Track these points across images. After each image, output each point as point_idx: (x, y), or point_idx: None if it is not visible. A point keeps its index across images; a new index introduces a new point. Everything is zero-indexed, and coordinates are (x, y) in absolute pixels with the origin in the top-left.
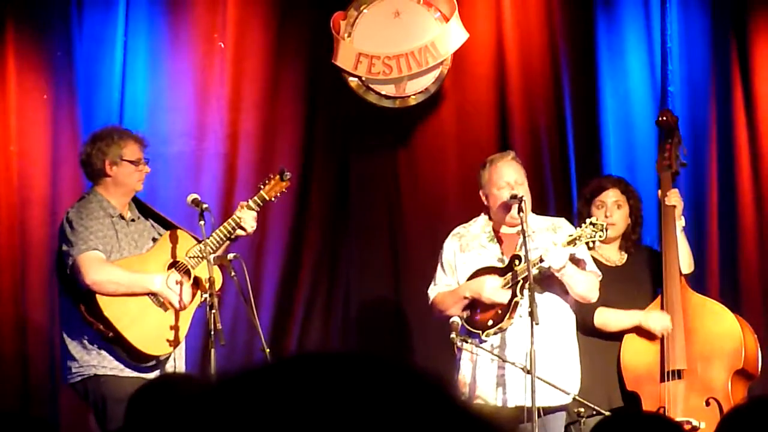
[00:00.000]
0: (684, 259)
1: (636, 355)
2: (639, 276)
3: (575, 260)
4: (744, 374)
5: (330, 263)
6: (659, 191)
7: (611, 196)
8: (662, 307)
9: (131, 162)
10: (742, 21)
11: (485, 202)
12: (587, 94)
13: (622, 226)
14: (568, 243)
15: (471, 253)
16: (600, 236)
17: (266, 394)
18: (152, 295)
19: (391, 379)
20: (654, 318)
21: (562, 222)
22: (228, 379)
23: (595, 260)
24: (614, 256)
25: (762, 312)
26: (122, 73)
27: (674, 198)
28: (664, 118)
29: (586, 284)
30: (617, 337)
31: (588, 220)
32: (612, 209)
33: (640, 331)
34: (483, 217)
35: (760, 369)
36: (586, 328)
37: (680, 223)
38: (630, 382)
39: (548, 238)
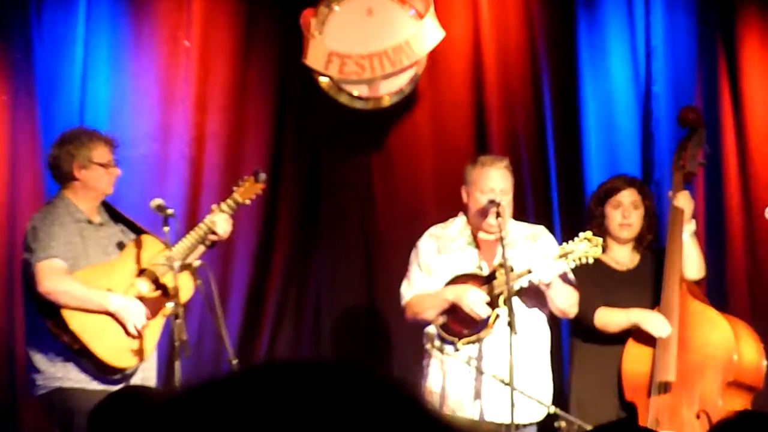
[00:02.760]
0: (692, 264)
1: (635, 363)
2: (648, 280)
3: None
4: (740, 386)
5: (300, 270)
6: (669, 192)
7: (628, 196)
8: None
9: (101, 165)
10: (729, 18)
11: (464, 199)
12: (568, 95)
13: (638, 228)
14: (560, 257)
15: (450, 256)
16: (595, 252)
17: (232, 404)
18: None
19: (363, 389)
20: (654, 319)
21: (541, 231)
22: (193, 389)
23: (603, 263)
24: (625, 258)
25: (750, 321)
26: (83, 73)
27: (683, 200)
28: (686, 116)
29: (568, 299)
30: (617, 342)
31: (582, 234)
32: (629, 210)
33: (641, 338)
34: (461, 219)
35: (763, 380)
36: (586, 332)
37: (689, 226)
38: (628, 392)
39: (528, 248)
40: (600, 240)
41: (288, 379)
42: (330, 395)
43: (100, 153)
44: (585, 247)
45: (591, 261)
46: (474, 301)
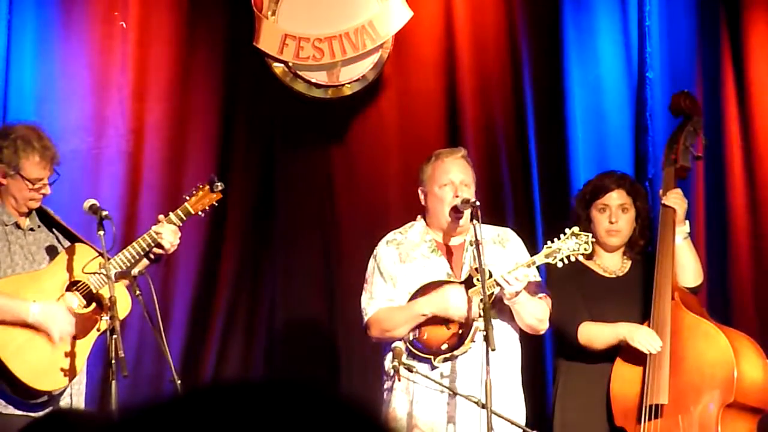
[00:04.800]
0: (688, 270)
1: (624, 384)
2: (639, 289)
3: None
4: (742, 408)
5: (252, 279)
6: (660, 190)
7: (616, 198)
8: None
9: (27, 180)
10: None
11: (422, 202)
12: (551, 81)
13: (627, 233)
14: (546, 256)
15: (413, 264)
16: (585, 249)
17: (174, 431)
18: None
19: (319, 412)
20: (641, 333)
21: (509, 234)
22: (131, 415)
23: (590, 270)
24: (615, 265)
25: (758, 333)
26: (6, 57)
27: (674, 199)
28: (678, 104)
29: (536, 313)
30: (606, 360)
31: (569, 230)
32: (617, 213)
33: (630, 356)
34: (420, 222)
35: None
36: (571, 349)
37: (683, 228)
38: (618, 416)
39: (497, 253)
40: (590, 236)
41: (236, 402)
42: (282, 420)
43: (31, 167)
44: (573, 244)
45: (581, 259)
46: (460, 304)
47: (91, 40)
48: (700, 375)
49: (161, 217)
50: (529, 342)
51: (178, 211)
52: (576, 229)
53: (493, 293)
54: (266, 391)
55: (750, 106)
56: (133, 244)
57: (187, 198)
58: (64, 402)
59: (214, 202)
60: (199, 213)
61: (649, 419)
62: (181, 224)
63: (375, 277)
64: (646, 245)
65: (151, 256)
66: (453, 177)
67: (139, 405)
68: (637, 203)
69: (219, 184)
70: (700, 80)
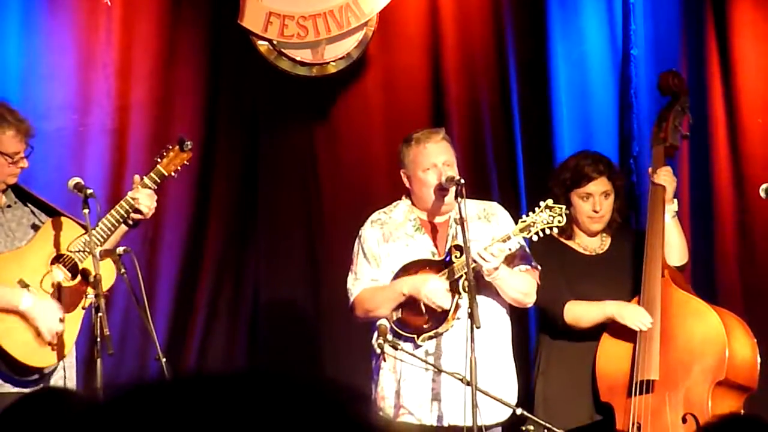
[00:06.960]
0: (675, 249)
1: (611, 360)
2: (623, 265)
3: (512, 254)
4: (732, 386)
5: (236, 258)
6: (650, 168)
7: (598, 186)
8: (640, 305)
9: (5, 155)
10: None
11: (406, 184)
12: (535, 58)
13: (609, 215)
14: (521, 230)
15: (397, 244)
16: (559, 221)
17: (158, 418)
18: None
19: (300, 401)
20: (630, 311)
21: (495, 208)
22: (116, 397)
23: (570, 249)
24: (594, 243)
25: (743, 310)
26: None
27: (664, 177)
28: (667, 82)
29: (520, 287)
30: (589, 337)
31: (543, 203)
32: (600, 201)
33: (617, 333)
34: (405, 202)
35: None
36: (555, 327)
37: (672, 206)
38: (604, 393)
39: (482, 229)
40: (563, 208)
41: (217, 392)
42: (263, 411)
43: (8, 141)
44: (547, 216)
45: (555, 231)
46: (434, 291)
47: (76, 18)
48: (690, 352)
49: (136, 179)
50: (515, 320)
51: (152, 174)
52: (550, 201)
53: (473, 269)
54: (248, 383)
55: (734, 83)
56: (111, 212)
57: (159, 160)
58: (57, 377)
59: (185, 161)
60: (172, 174)
61: (639, 394)
62: (156, 187)
63: (359, 257)
64: (623, 221)
65: (130, 221)
66: (436, 160)
67: (125, 389)
68: (616, 184)
69: (188, 143)
70: (685, 57)
